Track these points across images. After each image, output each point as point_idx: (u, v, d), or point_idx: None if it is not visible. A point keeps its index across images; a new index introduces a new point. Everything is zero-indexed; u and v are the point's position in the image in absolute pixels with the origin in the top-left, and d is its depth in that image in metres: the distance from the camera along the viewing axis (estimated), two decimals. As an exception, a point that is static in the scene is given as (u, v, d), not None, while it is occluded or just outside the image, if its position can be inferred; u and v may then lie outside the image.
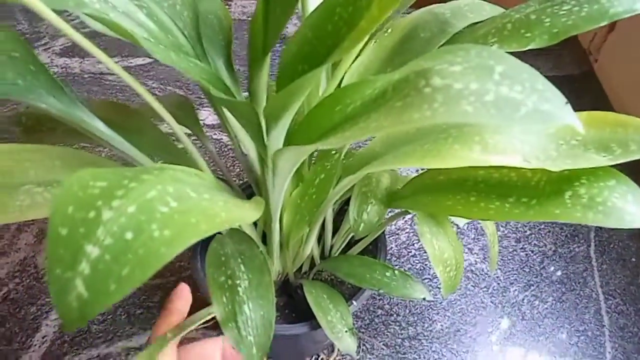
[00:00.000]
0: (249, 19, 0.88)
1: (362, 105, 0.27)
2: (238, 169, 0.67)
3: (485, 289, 0.58)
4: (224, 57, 0.42)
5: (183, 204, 0.20)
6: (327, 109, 0.30)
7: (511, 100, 0.20)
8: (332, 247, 0.46)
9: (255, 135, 0.33)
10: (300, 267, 0.46)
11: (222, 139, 0.71)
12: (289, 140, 0.32)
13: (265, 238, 0.43)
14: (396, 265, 0.59)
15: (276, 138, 0.34)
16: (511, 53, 0.22)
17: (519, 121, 0.20)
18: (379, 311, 0.55)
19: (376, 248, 0.44)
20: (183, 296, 0.35)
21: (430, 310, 0.55)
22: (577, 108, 0.25)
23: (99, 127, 0.35)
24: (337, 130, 0.26)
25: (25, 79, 0.30)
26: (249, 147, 0.41)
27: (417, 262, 0.60)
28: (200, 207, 0.21)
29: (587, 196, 0.26)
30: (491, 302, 0.57)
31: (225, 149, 0.69)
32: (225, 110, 0.41)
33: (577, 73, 0.83)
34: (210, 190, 0.25)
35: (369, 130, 0.22)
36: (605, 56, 0.81)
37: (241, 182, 0.52)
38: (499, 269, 0.60)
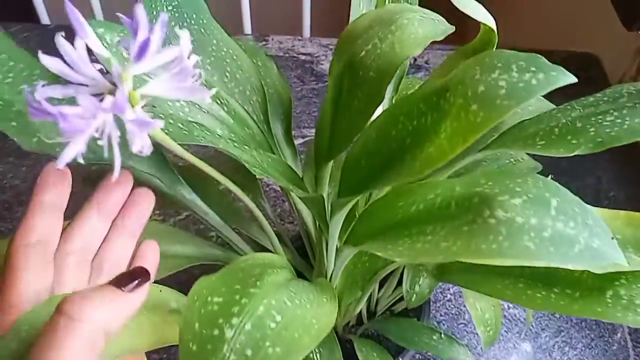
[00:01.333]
0: (286, 55, 0.92)
1: (426, 210, 0.30)
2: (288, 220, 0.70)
3: (517, 335, 0.61)
4: (284, 129, 0.46)
5: (285, 317, 0.24)
6: (391, 203, 0.33)
7: (566, 236, 0.24)
8: (377, 302, 0.50)
9: (321, 219, 0.36)
10: (348, 321, 0.49)
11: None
12: (353, 228, 0.36)
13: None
14: (432, 310, 0.62)
15: (338, 221, 0.37)
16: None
17: (573, 259, 0.23)
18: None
19: (420, 307, 0.48)
20: (54, 183, 0.28)
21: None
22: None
23: (184, 192, 0.39)
24: (404, 234, 0.29)
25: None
26: (308, 217, 0.45)
27: (452, 307, 0.63)
28: (297, 317, 0.25)
29: (627, 297, 0.29)
30: (524, 347, 0.60)
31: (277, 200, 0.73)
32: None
33: (606, 113, 0.86)
34: (295, 288, 0.28)
35: (439, 251, 0.25)
36: (635, 98, 0.83)
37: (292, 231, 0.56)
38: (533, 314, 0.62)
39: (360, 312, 0.49)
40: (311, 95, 0.85)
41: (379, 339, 0.48)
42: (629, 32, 0.76)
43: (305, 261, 0.49)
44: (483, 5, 0.36)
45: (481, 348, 0.60)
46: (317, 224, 0.42)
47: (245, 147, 0.32)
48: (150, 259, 0.30)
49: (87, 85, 0.20)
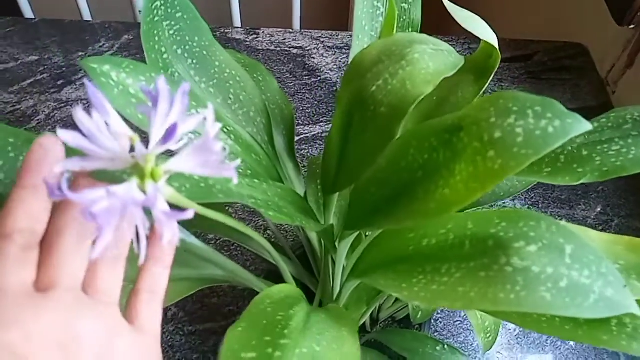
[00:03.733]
0: (277, 49, 0.90)
1: (439, 247, 0.31)
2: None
3: (511, 331, 0.63)
4: (286, 144, 0.46)
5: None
6: (401, 234, 0.34)
7: (581, 287, 0.24)
8: (380, 309, 0.51)
9: (330, 246, 0.37)
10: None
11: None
12: (362, 257, 0.36)
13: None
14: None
15: (345, 246, 0.38)
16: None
17: (588, 310, 0.24)
18: None
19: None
20: (41, 161, 0.22)
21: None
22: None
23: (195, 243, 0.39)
24: (417, 270, 0.30)
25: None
26: (313, 237, 0.45)
27: (448, 306, 0.65)
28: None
29: (632, 326, 0.31)
30: (517, 342, 0.62)
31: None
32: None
33: (594, 105, 0.86)
34: (317, 326, 0.29)
35: (457, 296, 0.26)
36: (623, 89, 0.84)
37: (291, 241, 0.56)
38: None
39: (365, 323, 0.50)
40: (304, 91, 0.84)
41: (382, 347, 0.50)
42: (620, 27, 0.77)
43: (309, 272, 0.50)
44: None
45: (478, 345, 0.61)
46: (323, 246, 0.43)
47: (255, 181, 0.32)
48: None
49: (109, 159, 0.20)
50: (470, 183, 0.25)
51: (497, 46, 0.39)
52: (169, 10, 0.36)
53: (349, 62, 0.35)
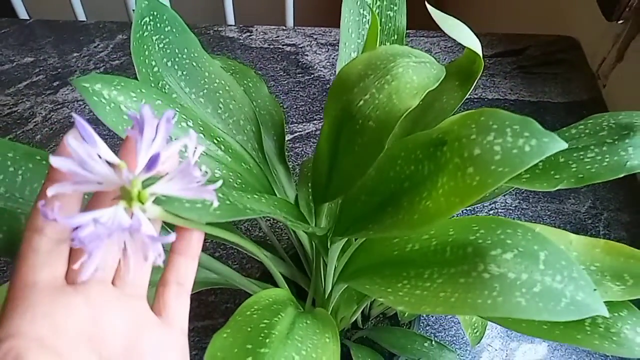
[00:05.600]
0: (270, 46, 0.91)
1: (422, 252, 0.32)
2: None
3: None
4: (277, 149, 0.47)
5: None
6: (387, 239, 0.35)
7: (554, 291, 0.26)
8: (371, 306, 0.52)
9: (323, 250, 0.38)
10: (344, 327, 0.52)
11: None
12: (350, 260, 0.38)
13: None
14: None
15: (336, 249, 0.39)
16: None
17: (560, 314, 0.25)
18: None
19: (413, 313, 0.51)
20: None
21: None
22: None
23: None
24: (402, 275, 0.31)
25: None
26: (304, 238, 0.47)
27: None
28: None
29: (604, 325, 0.32)
30: (507, 335, 0.63)
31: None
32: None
33: (585, 99, 0.87)
34: (300, 333, 0.30)
35: (438, 301, 0.27)
36: (613, 83, 0.85)
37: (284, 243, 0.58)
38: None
39: (356, 320, 0.51)
40: (297, 88, 0.85)
41: (373, 344, 0.51)
42: (609, 22, 0.78)
43: (301, 272, 0.51)
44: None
45: (466, 340, 0.63)
46: (315, 248, 0.44)
47: (255, 196, 0.33)
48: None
49: (98, 182, 0.21)
50: (450, 197, 0.26)
51: (480, 53, 0.40)
52: (158, 25, 0.37)
53: (335, 75, 0.36)
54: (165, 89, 0.37)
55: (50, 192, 0.21)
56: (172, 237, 0.21)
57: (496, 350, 0.62)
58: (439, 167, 0.29)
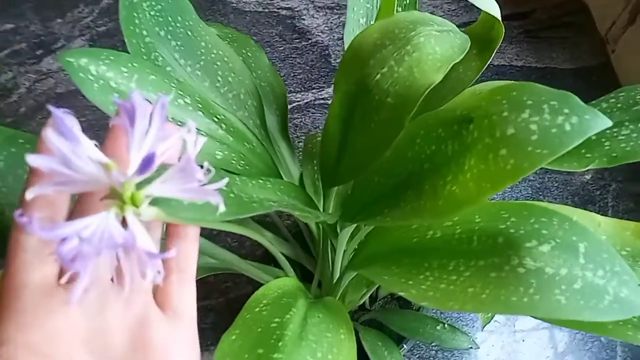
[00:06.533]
0: (265, 10, 0.86)
1: (445, 240, 0.29)
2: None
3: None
4: (279, 124, 0.44)
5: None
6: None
7: (595, 287, 0.23)
8: (379, 287, 0.50)
9: (332, 235, 0.36)
10: (351, 309, 0.50)
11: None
12: (363, 246, 0.35)
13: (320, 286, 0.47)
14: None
15: (346, 233, 0.36)
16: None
17: (602, 312, 0.23)
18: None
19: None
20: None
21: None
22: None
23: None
24: (423, 265, 0.29)
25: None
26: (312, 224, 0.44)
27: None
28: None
29: (638, 317, 0.30)
30: (513, 321, 0.62)
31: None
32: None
33: (594, 64, 0.84)
34: (313, 329, 0.28)
35: (467, 297, 0.25)
36: (623, 48, 0.82)
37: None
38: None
39: (364, 302, 0.49)
40: (295, 55, 0.81)
41: (381, 326, 0.50)
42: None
43: (306, 253, 0.49)
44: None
45: (474, 316, 0.62)
46: (322, 230, 0.42)
47: (260, 181, 0.30)
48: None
49: (83, 182, 0.18)
50: (481, 182, 0.23)
51: (499, 17, 0.37)
52: (150, -11, 0.33)
53: (346, 45, 0.33)
54: (158, 61, 0.34)
55: (29, 194, 0.18)
56: (172, 252, 0.18)
57: (499, 323, 0.60)
58: (465, 147, 0.26)
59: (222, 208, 0.19)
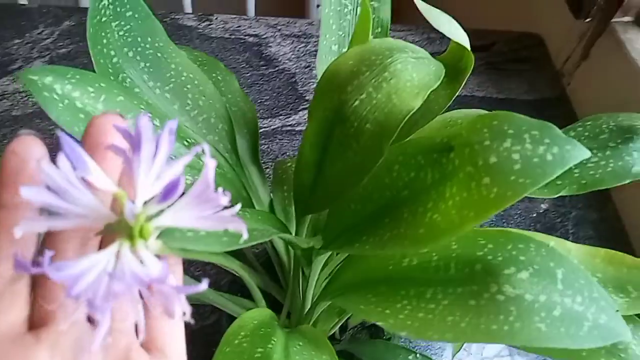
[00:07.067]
0: (232, 36, 0.86)
1: (421, 268, 0.29)
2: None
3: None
4: (250, 149, 0.43)
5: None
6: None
7: (574, 314, 0.23)
8: (349, 317, 0.49)
9: (306, 264, 0.35)
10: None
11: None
12: (337, 275, 0.34)
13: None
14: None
15: (322, 259, 0.36)
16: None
17: (582, 339, 0.23)
18: None
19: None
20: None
21: None
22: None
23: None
24: (400, 293, 0.28)
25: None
26: (281, 248, 0.43)
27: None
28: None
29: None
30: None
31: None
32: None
33: (551, 96, 0.88)
34: (302, 358, 0.27)
35: (446, 327, 0.25)
36: (578, 81, 0.86)
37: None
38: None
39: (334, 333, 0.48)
40: (261, 82, 0.81)
41: (351, 357, 0.48)
42: (577, 20, 0.78)
43: (275, 282, 0.48)
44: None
45: (442, 344, 0.61)
46: (294, 258, 0.40)
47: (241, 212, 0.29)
48: None
49: (82, 216, 0.16)
50: (464, 210, 0.23)
51: (468, 47, 0.38)
52: (118, 9, 0.32)
53: (318, 72, 0.32)
54: (126, 82, 0.33)
55: (18, 232, 0.16)
56: (204, 284, 0.16)
57: (466, 351, 0.60)
58: (445, 176, 0.26)
59: (245, 236, 0.17)
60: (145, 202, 0.17)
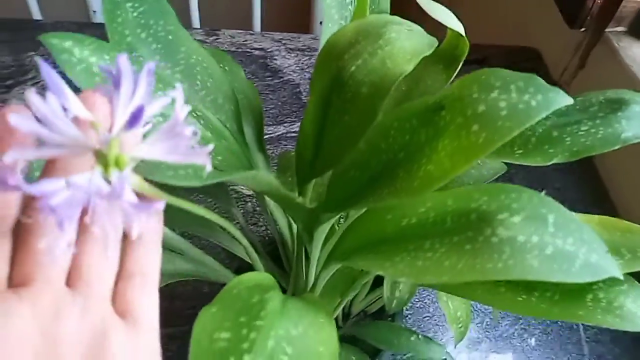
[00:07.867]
0: (238, 50, 0.89)
1: (420, 225, 0.30)
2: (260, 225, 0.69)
3: (479, 325, 0.63)
4: (255, 136, 0.45)
5: (295, 348, 0.24)
6: (378, 216, 0.33)
7: (567, 253, 0.24)
8: (352, 304, 0.50)
9: (307, 232, 0.36)
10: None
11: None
12: (340, 241, 0.35)
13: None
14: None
15: (322, 233, 0.37)
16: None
17: (575, 275, 0.24)
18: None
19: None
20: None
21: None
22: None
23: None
24: (400, 248, 0.29)
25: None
26: (284, 227, 0.44)
27: (416, 300, 0.65)
28: (306, 347, 0.24)
29: (606, 300, 0.31)
30: (485, 336, 0.62)
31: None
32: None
33: (548, 106, 0.90)
34: (294, 312, 0.28)
35: (443, 270, 0.26)
36: (576, 91, 0.88)
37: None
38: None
39: (337, 317, 0.49)
40: (267, 92, 0.84)
41: (354, 340, 0.49)
42: (572, 29, 0.80)
43: (279, 267, 0.49)
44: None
45: (446, 340, 0.61)
46: (296, 235, 0.42)
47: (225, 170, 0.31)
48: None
49: (66, 146, 0.18)
50: (455, 157, 0.25)
51: (463, 34, 0.40)
52: (132, -11, 0.34)
53: (321, 47, 0.34)
54: (138, 61, 0.35)
55: (8, 157, 0.17)
56: (161, 204, 0.17)
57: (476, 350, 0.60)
58: (438, 132, 0.27)
59: (209, 168, 0.19)
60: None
